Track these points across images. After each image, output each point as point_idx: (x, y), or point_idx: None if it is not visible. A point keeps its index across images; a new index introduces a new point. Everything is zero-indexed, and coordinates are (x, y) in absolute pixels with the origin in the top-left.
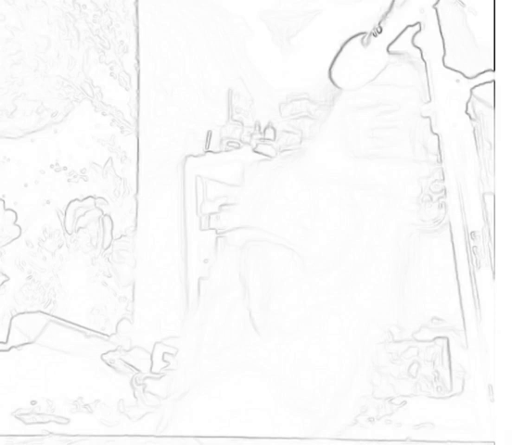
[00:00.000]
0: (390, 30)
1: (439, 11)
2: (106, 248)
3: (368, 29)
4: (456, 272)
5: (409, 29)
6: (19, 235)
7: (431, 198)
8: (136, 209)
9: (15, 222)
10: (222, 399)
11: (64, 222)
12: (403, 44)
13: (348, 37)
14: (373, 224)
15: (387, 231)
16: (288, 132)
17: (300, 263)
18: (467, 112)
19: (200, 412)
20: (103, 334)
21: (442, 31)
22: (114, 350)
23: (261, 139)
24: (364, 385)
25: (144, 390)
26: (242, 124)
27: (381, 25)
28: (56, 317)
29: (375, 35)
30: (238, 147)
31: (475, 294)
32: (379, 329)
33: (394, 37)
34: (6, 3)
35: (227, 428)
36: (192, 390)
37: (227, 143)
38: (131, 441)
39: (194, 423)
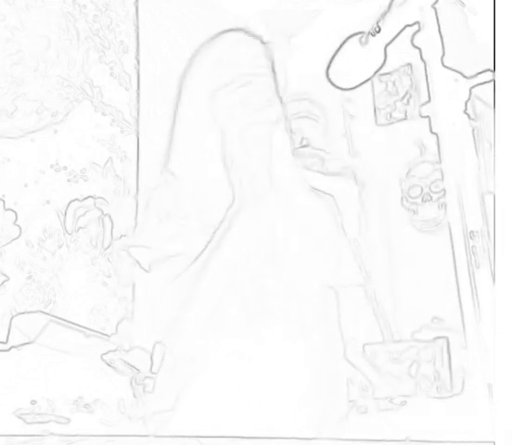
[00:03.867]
0: (388, 29)
1: (438, 11)
2: (106, 248)
3: (368, 28)
4: (456, 271)
5: (408, 28)
6: (19, 235)
7: (431, 198)
8: (136, 209)
9: (15, 222)
10: (222, 399)
11: (64, 222)
12: (402, 44)
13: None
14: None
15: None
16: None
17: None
18: (466, 112)
19: (200, 412)
20: (103, 334)
21: (442, 31)
22: (114, 350)
23: None
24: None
25: (144, 390)
26: None
27: (380, 24)
28: (56, 317)
29: (373, 35)
30: None
31: (474, 294)
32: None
33: (393, 37)
34: (6, 3)
35: (227, 428)
36: (191, 390)
37: None
38: (131, 441)
39: (194, 423)
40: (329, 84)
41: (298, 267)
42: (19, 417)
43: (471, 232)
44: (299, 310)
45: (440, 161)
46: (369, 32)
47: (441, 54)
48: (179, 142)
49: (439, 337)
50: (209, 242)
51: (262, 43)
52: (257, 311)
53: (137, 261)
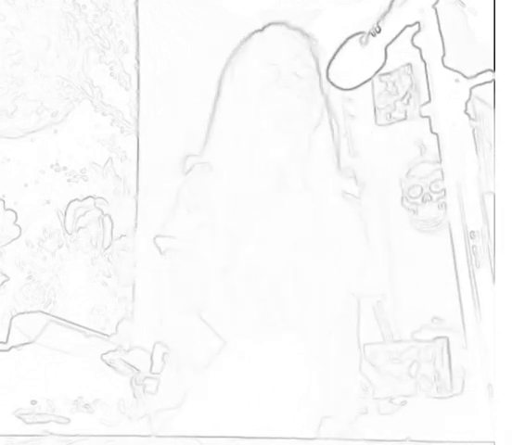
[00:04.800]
0: (388, 29)
1: (438, 11)
2: (106, 248)
3: (368, 28)
4: (456, 271)
5: (408, 28)
6: (19, 235)
7: (431, 198)
8: (136, 209)
9: (15, 222)
10: (222, 399)
11: (64, 222)
12: (402, 44)
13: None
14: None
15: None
16: None
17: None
18: (466, 112)
19: (200, 412)
20: (103, 334)
21: (442, 31)
22: (114, 350)
23: None
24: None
25: (144, 390)
26: None
27: (380, 25)
28: (56, 317)
29: (373, 35)
30: None
31: (474, 293)
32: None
33: (393, 37)
34: (6, 3)
35: (227, 428)
36: (191, 390)
37: None
38: (131, 441)
39: (194, 423)
40: (329, 84)
41: (321, 271)
42: (19, 417)
43: (471, 232)
44: (317, 313)
45: (440, 161)
46: (369, 33)
47: (441, 54)
48: (217, 136)
49: (439, 337)
50: (231, 238)
51: (308, 39)
52: (272, 313)
53: (159, 249)
